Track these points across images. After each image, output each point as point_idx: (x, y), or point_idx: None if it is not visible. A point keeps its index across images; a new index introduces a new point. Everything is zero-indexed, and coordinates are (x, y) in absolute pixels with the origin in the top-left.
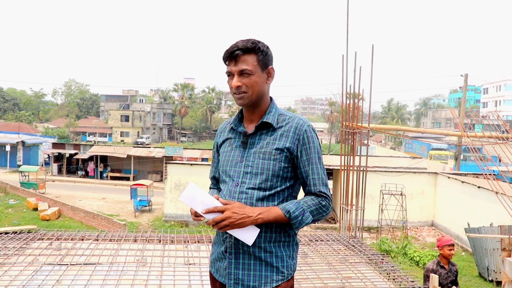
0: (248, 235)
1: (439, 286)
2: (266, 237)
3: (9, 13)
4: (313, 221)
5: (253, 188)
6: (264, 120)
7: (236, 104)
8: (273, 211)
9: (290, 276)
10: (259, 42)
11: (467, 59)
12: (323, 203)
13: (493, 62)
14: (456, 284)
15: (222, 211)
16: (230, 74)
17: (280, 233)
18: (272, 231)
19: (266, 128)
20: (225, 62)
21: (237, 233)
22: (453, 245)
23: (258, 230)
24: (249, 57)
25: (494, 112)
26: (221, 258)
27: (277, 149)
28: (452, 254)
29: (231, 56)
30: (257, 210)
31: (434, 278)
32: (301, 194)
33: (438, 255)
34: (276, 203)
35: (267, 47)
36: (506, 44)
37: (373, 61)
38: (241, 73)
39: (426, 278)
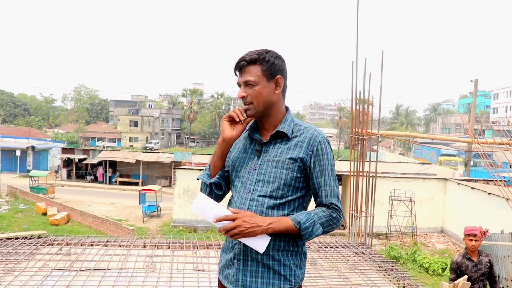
0: (260, 243)
1: (468, 279)
2: (274, 245)
3: (19, 20)
4: (323, 233)
5: (264, 196)
6: (279, 129)
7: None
8: (284, 221)
9: (298, 285)
10: (267, 52)
11: (477, 64)
12: (334, 215)
13: (504, 67)
14: (491, 276)
15: (233, 219)
16: (239, 85)
17: (289, 242)
18: (280, 240)
19: (280, 137)
20: (235, 74)
21: (248, 241)
22: (474, 235)
23: (269, 238)
24: (253, 68)
25: (505, 118)
26: (230, 265)
27: (290, 158)
28: (474, 245)
29: (237, 67)
30: (268, 220)
31: (445, 286)
32: (311, 204)
33: (466, 247)
34: (286, 212)
35: (276, 57)
36: None
37: (383, 67)
38: (246, 84)
39: (452, 271)
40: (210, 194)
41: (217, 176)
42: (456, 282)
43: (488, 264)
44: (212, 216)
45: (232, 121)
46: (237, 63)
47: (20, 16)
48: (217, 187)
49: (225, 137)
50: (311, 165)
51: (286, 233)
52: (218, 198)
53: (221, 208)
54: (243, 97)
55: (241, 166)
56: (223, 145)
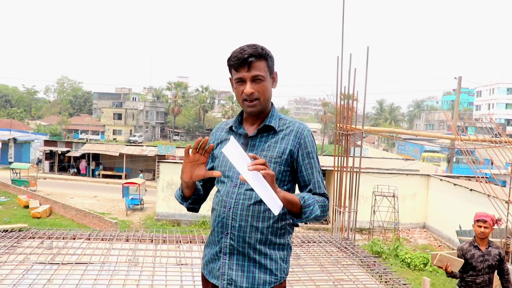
0: (276, 203)
1: (473, 269)
2: (261, 239)
3: (1, 9)
4: (317, 218)
5: (251, 190)
6: (267, 123)
7: (246, 111)
8: (291, 196)
9: (283, 279)
10: (263, 47)
11: (461, 61)
12: (327, 202)
13: (487, 65)
14: (502, 272)
15: (262, 163)
16: (240, 81)
17: (276, 235)
18: (267, 233)
19: (267, 131)
20: (234, 69)
21: (268, 198)
22: (484, 221)
23: (281, 204)
24: (261, 63)
25: (487, 115)
26: (215, 259)
27: (278, 152)
28: (483, 232)
29: (244, 62)
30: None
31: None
32: None
33: (474, 235)
34: None
35: (271, 53)
36: (500, 46)
37: (368, 63)
38: (254, 79)
39: (460, 256)
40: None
41: (192, 197)
42: (433, 253)
43: (497, 256)
44: (241, 161)
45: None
46: (245, 58)
47: (1, 6)
48: (195, 204)
49: (185, 181)
50: (298, 158)
51: (273, 226)
52: (199, 204)
53: (247, 158)
54: (251, 94)
55: (227, 161)
56: (185, 184)
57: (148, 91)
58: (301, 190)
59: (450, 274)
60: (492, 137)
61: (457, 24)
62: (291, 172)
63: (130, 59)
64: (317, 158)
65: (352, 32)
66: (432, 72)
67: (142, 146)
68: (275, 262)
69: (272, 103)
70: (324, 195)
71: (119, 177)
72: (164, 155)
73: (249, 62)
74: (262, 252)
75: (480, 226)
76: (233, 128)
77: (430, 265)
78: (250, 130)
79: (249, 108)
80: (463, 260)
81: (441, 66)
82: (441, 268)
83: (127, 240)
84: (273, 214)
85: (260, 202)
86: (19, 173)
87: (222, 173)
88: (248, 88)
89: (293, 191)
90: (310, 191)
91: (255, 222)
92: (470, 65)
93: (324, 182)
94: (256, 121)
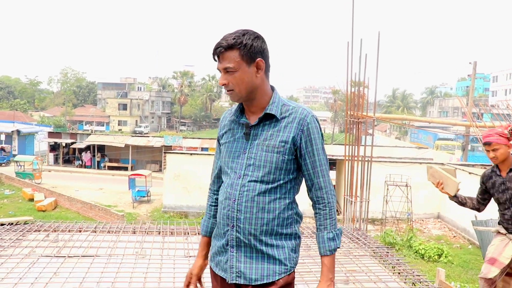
0: None
1: (498, 202)
2: (267, 230)
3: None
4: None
5: (255, 181)
6: (268, 111)
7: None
8: (330, 264)
9: (292, 269)
10: (244, 34)
11: (476, 45)
12: (333, 209)
13: (503, 49)
14: None
15: None
16: (220, 71)
17: (282, 226)
18: (273, 224)
19: (269, 119)
20: (214, 59)
21: None
22: (489, 144)
23: None
24: (231, 54)
25: (504, 101)
26: (222, 252)
27: (281, 141)
28: (493, 157)
29: (215, 53)
30: (331, 277)
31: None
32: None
33: None
34: (278, 195)
35: (255, 38)
36: None
37: (379, 49)
38: (226, 70)
39: (481, 184)
40: None
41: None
42: (428, 165)
43: None
44: None
45: None
46: (215, 49)
47: None
48: None
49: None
50: (302, 146)
51: (279, 217)
52: None
53: None
54: (224, 85)
55: (230, 151)
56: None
57: (153, 80)
58: (306, 178)
59: (457, 200)
60: (509, 123)
61: (472, 7)
62: (297, 161)
63: (135, 48)
64: (322, 145)
65: (363, 17)
66: (446, 57)
67: (148, 137)
68: (283, 252)
69: (273, 88)
70: (327, 194)
71: (125, 168)
72: (171, 146)
73: (218, 53)
74: (269, 243)
75: (488, 151)
76: (235, 118)
77: (445, 256)
78: (252, 119)
79: (230, 97)
80: (458, 181)
81: (455, 50)
82: (436, 186)
83: (134, 233)
84: (279, 204)
85: (264, 192)
86: (24, 166)
87: (226, 164)
88: (220, 79)
89: (300, 178)
90: (313, 188)
91: (261, 213)
92: (485, 49)
93: (328, 167)
94: (256, 109)
